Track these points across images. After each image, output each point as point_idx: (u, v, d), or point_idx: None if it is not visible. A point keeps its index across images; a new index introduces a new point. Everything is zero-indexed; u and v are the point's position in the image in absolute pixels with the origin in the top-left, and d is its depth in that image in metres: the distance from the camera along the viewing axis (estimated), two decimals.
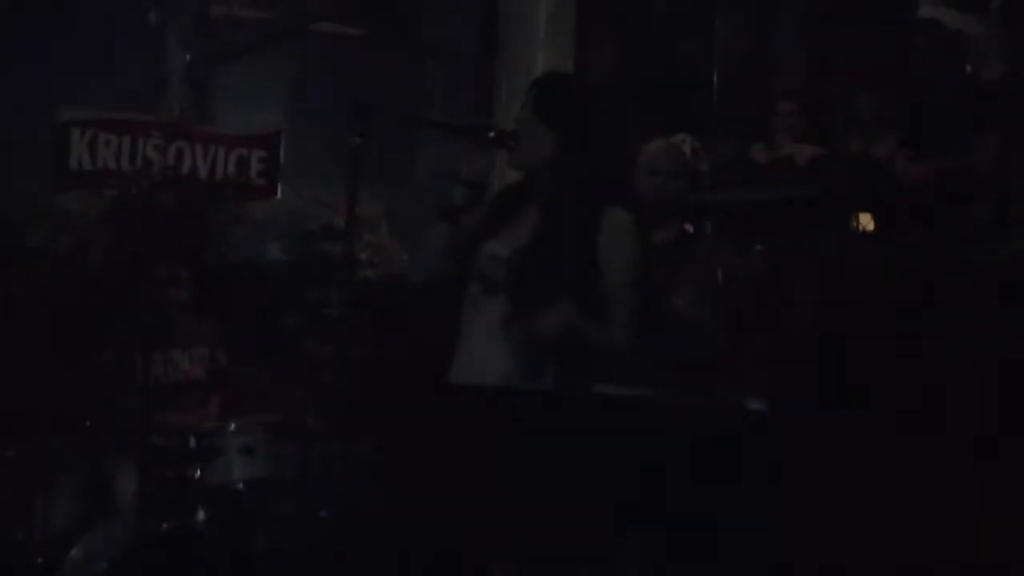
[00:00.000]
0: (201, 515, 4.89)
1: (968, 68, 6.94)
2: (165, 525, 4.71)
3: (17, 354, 5.59)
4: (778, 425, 2.70)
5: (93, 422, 5.16)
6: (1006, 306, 4.75)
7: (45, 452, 4.96)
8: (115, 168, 6.50)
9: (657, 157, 4.50)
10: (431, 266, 3.68)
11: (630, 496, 2.48)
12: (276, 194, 7.01)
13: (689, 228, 4.75)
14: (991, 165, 5.76)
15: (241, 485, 4.97)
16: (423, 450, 3.52)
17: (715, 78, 8.48)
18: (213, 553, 4.67)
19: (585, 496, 2.68)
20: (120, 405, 5.30)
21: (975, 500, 4.38)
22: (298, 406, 5.31)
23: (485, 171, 3.54)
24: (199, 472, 4.97)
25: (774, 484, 2.62)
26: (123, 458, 5.10)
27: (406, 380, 5.05)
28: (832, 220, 6.14)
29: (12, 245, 6.26)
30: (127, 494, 4.97)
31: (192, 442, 5.01)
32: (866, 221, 6.21)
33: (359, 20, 8.09)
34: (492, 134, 3.52)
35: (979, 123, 5.77)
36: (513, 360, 3.47)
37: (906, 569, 4.40)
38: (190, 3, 7.11)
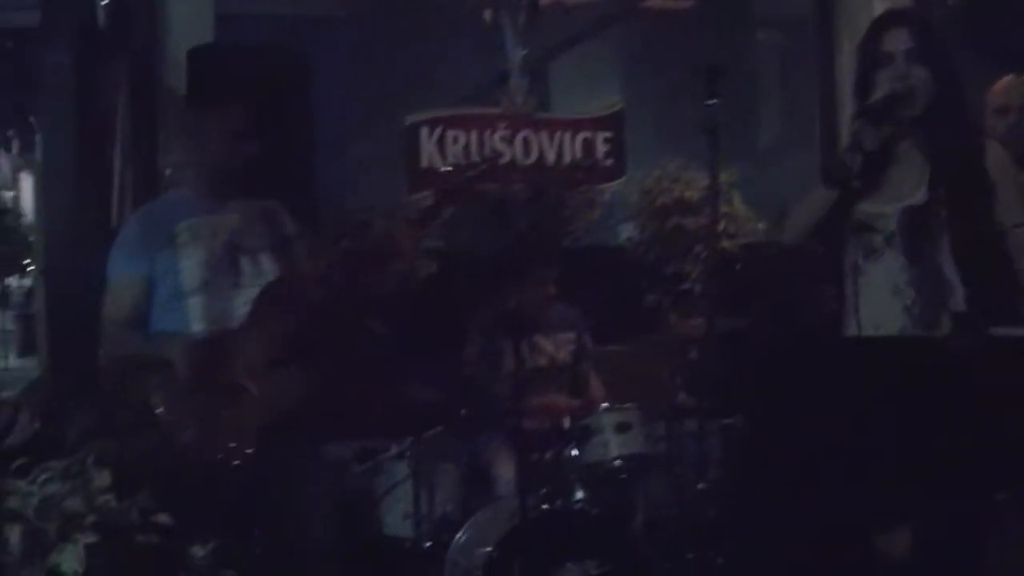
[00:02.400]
0: (580, 494, 4.93)
1: None
2: (545, 506, 4.77)
3: (393, 351, 5.76)
4: None
5: (468, 411, 5.26)
6: None
7: (426, 443, 5.10)
8: (465, 163, 6.64)
9: (1008, 94, 4.32)
10: (808, 229, 3.59)
11: None
12: (624, 174, 7.02)
13: None
14: None
15: (618, 462, 4.98)
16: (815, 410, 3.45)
17: None
18: (594, 532, 4.70)
19: None
20: (492, 393, 5.39)
21: None
22: (667, 383, 5.28)
23: (884, 138, 3.42)
24: (575, 452, 5.01)
25: None
26: (499, 444, 5.18)
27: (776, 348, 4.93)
28: None
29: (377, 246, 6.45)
30: (506, 478, 5.05)
31: (567, 423, 5.07)
32: None
33: None
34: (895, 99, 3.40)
35: None
36: (907, 316, 3.43)
37: None
38: None
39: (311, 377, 3.69)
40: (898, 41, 3.46)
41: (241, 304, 3.73)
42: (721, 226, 6.35)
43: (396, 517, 5.12)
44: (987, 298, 3.32)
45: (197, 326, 3.75)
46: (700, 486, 4.70)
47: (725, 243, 6.46)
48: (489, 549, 4.58)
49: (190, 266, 3.79)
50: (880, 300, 3.44)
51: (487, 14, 7.21)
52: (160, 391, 3.59)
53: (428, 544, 4.96)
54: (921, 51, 3.43)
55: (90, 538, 2.83)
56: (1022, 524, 3.56)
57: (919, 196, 3.40)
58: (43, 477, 2.99)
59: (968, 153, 3.41)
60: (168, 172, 6.23)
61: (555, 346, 5.71)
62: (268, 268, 3.85)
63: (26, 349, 15.81)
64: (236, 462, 3.52)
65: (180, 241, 3.81)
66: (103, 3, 5.61)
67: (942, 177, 3.38)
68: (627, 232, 7.22)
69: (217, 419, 3.56)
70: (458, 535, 4.80)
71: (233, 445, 3.54)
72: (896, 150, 3.47)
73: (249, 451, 3.54)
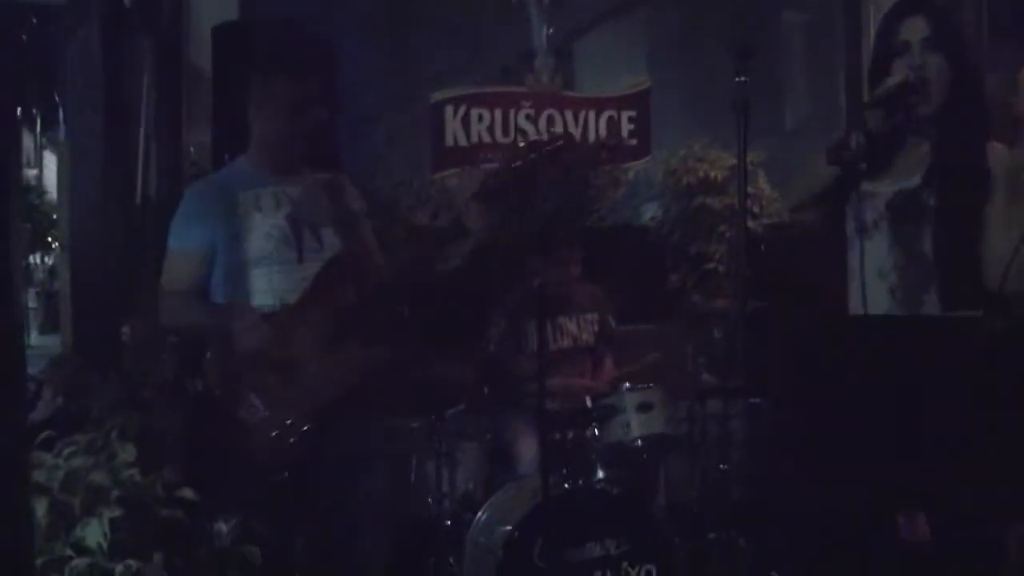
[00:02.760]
0: (601, 474, 4.93)
1: None
2: (567, 485, 4.76)
3: (413, 330, 5.75)
4: None
5: (491, 390, 5.26)
6: None
7: (448, 422, 5.09)
8: (489, 142, 6.64)
9: None
10: (810, 200, 3.63)
11: None
12: (649, 153, 6.99)
13: None
14: None
15: (639, 442, 4.97)
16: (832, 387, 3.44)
17: None
18: (615, 511, 4.69)
19: None
20: (515, 372, 5.38)
21: None
22: (691, 363, 5.26)
23: (893, 125, 3.38)
24: (597, 432, 5.00)
25: None
26: (522, 423, 5.18)
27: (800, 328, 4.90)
28: None
29: (400, 225, 6.47)
30: (528, 457, 5.05)
31: (589, 403, 5.06)
32: None
33: None
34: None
35: None
36: (891, 297, 3.42)
37: None
38: None
39: (365, 355, 3.69)
40: (915, 29, 3.41)
41: (301, 278, 3.72)
42: (746, 206, 6.32)
43: (418, 495, 5.13)
44: (961, 291, 3.30)
45: (256, 299, 3.73)
46: (722, 467, 4.70)
47: (750, 223, 6.43)
48: (510, 528, 4.58)
49: (251, 237, 3.76)
50: (870, 280, 3.41)
51: None
52: (214, 364, 3.58)
53: (449, 522, 4.97)
54: (938, 40, 3.38)
55: (114, 512, 2.84)
56: None
57: (913, 181, 3.37)
58: (68, 451, 3.00)
59: (972, 146, 3.36)
60: (193, 150, 6.23)
61: (578, 326, 5.70)
62: (329, 242, 3.83)
63: (47, 327, 15.89)
64: (292, 439, 3.52)
65: (242, 211, 3.78)
66: None
67: (941, 166, 3.35)
68: (651, 212, 7.22)
69: (273, 394, 3.56)
70: (479, 513, 4.80)
71: (289, 421, 3.53)
72: (904, 136, 3.44)
73: (304, 428, 3.53)
